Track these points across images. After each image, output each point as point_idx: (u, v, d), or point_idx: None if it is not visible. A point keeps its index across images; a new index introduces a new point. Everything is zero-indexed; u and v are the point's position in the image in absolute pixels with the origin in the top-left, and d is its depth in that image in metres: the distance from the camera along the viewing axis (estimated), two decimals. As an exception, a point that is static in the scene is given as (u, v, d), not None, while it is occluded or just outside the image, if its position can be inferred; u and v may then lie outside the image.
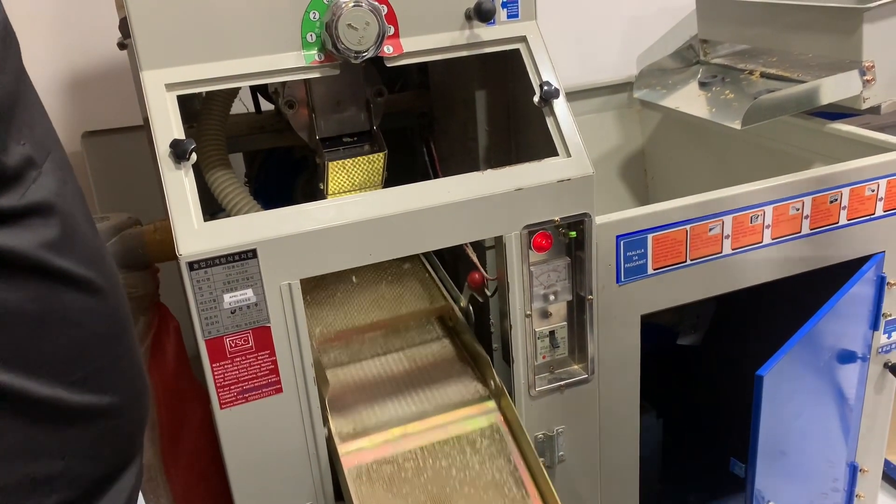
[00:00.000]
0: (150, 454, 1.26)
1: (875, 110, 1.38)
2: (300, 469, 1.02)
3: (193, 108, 1.14)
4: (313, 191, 1.24)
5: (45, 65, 1.55)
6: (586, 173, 1.05)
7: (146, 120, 0.93)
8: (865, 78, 1.33)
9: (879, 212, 1.28)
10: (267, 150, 1.38)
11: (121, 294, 0.63)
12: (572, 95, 1.71)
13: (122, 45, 1.18)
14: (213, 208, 1.08)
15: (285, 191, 1.40)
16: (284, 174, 1.40)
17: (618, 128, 1.83)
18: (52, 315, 0.55)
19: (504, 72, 1.22)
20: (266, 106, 1.31)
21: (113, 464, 0.62)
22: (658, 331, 1.63)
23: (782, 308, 1.31)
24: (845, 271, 1.27)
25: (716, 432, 1.58)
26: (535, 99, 1.07)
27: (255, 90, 1.30)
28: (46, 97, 1.56)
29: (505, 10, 1.05)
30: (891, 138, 1.31)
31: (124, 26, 0.95)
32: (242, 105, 1.30)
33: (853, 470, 1.46)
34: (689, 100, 1.57)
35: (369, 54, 0.97)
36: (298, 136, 1.18)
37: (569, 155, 1.05)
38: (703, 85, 1.59)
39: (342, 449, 1.05)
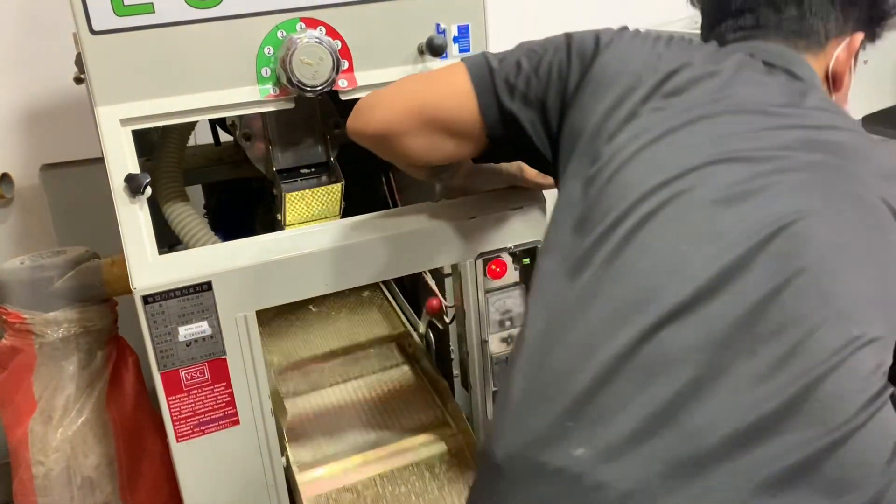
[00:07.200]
0: (108, 489, 1.25)
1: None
2: (259, 501, 1.02)
3: (151, 140, 1.15)
4: (272, 221, 1.25)
5: (1, 96, 1.54)
6: (539, 201, 1.07)
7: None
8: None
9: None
10: (226, 181, 1.39)
11: None
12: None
13: (78, 80, 1.19)
14: (171, 241, 1.09)
15: (245, 222, 1.41)
16: (244, 205, 1.41)
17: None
18: None
19: (459, 103, 1.24)
20: (225, 138, 1.32)
21: None
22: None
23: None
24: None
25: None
26: (488, 130, 1.09)
27: (213, 122, 1.31)
28: (3, 129, 1.56)
29: (457, 44, 1.07)
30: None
31: (80, 62, 0.96)
32: (193, 138, 1.30)
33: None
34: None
35: (324, 88, 0.99)
36: (256, 167, 1.19)
37: (521, 184, 1.08)
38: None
39: (301, 478, 1.05)
